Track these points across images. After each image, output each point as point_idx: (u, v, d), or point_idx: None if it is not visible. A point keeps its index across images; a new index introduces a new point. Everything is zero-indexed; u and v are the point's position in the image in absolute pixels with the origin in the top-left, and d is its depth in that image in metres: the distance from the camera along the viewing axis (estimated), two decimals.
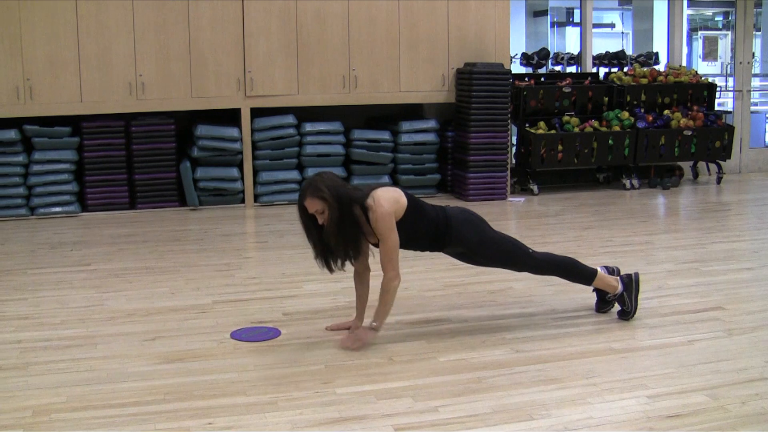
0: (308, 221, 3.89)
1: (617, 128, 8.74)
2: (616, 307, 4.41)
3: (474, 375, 3.62)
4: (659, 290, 4.94)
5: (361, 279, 4.12)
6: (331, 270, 3.98)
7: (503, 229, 4.43)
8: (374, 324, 3.96)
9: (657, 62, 9.95)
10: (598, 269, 4.34)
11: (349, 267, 4.06)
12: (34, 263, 5.86)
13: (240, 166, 7.94)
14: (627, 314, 4.35)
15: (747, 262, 5.79)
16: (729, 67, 11.02)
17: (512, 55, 8.99)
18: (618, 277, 4.36)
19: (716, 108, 9.56)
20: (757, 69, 10.95)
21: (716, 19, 13.41)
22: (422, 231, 4.01)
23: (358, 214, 3.86)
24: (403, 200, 3.93)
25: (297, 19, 7.94)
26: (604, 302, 4.45)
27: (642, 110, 8.97)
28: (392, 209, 3.86)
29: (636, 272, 4.41)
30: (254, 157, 7.95)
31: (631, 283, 4.34)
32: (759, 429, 3.07)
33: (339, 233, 3.80)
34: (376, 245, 3.97)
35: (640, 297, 4.40)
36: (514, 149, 8.87)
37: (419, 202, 4.03)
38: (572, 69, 10.03)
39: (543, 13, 12.91)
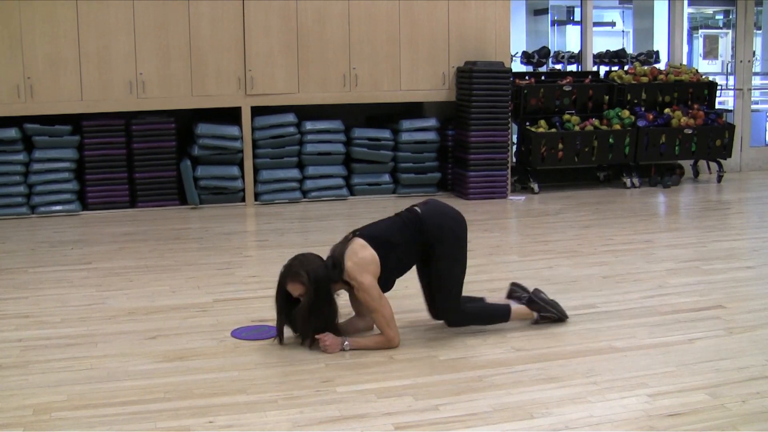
0: (282, 303, 3.90)
1: (618, 127, 8.74)
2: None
3: (474, 374, 3.62)
4: (660, 289, 4.94)
5: (362, 319, 4.12)
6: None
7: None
8: (346, 345, 3.91)
9: (657, 61, 9.93)
10: (510, 305, 4.23)
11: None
12: (35, 262, 5.86)
13: (240, 164, 7.94)
14: (562, 320, 4.28)
15: (747, 260, 5.79)
16: (729, 65, 11.02)
17: (513, 53, 8.98)
18: (526, 306, 4.26)
19: (717, 106, 9.55)
20: (757, 67, 10.94)
21: (717, 17, 13.40)
22: (403, 259, 3.99)
23: (340, 287, 3.90)
24: (374, 257, 3.86)
25: (297, 18, 7.94)
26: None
27: (642, 109, 8.97)
28: (372, 278, 3.84)
29: (534, 289, 4.32)
30: (255, 156, 7.95)
31: (538, 303, 4.25)
32: (760, 428, 3.07)
33: (309, 318, 3.82)
34: None
35: (556, 300, 4.32)
36: (514, 148, 8.87)
37: (387, 239, 3.92)
38: (573, 67, 10.02)
39: (543, 11, 12.90)
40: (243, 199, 7.99)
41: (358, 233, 3.98)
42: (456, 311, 4.06)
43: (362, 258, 3.85)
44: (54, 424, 3.13)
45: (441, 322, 4.22)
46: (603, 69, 9.63)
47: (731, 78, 10.56)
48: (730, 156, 9.32)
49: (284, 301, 3.90)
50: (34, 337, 4.14)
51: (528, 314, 4.25)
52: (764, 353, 3.84)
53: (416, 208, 4.08)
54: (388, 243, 3.93)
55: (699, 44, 12.84)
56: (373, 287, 3.84)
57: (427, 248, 3.99)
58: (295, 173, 8.09)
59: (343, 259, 3.85)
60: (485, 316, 4.18)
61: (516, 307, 4.24)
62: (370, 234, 3.96)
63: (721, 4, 12.71)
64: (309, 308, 3.80)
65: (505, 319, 4.21)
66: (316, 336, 3.92)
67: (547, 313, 4.25)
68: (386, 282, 3.95)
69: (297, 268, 3.84)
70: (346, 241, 3.95)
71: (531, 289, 4.36)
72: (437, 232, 3.98)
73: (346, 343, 3.90)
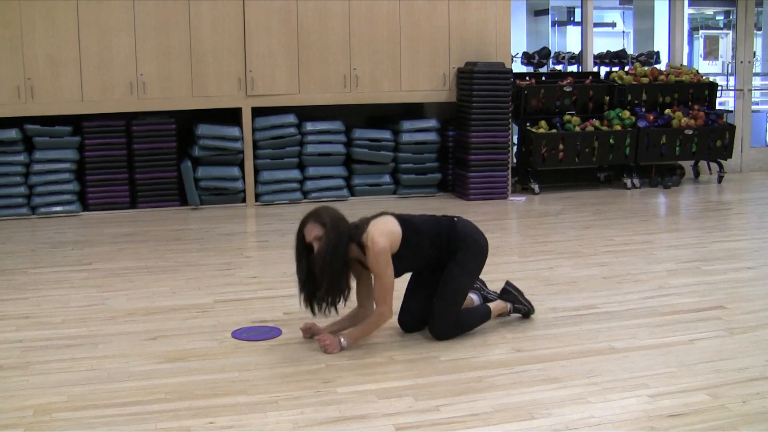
0: (301, 252, 3.90)
1: (618, 127, 8.74)
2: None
3: (475, 374, 3.62)
4: (660, 289, 4.94)
5: (362, 309, 4.08)
6: (314, 311, 3.96)
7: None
8: (343, 342, 3.91)
9: (658, 61, 9.94)
10: (489, 305, 4.29)
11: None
12: (35, 263, 5.86)
13: (241, 165, 7.94)
14: (528, 313, 4.37)
15: (748, 261, 5.79)
16: (730, 66, 11.02)
17: (513, 54, 8.98)
18: (499, 299, 4.35)
19: (717, 107, 9.55)
20: (758, 68, 10.94)
21: (717, 18, 13.41)
22: (424, 250, 4.01)
23: (355, 254, 3.89)
24: (398, 231, 3.92)
25: (298, 19, 7.94)
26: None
27: (643, 109, 8.97)
28: (388, 245, 3.86)
29: (506, 281, 4.42)
30: (255, 157, 7.95)
31: (511, 293, 4.35)
32: (760, 428, 3.07)
33: (327, 263, 3.77)
34: None
35: (526, 295, 4.42)
36: (515, 148, 8.87)
37: (415, 225, 4.02)
38: (573, 68, 10.02)
39: (544, 12, 12.90)
40: (243, 200, 7.99)
41: (389, 213, 4.06)
42: (452, 326, 4.05)
43: (388, 228, 3.91)
44: (54, 425, 3.13)
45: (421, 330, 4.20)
46: (603, 70, 9.63)
47: (732, 79, 10.56)
48: (730, 157, 9.32)
49: (302, 247, 3.89)
50: (34, 338, 4.14)
51: (503, 308, 4.32)
52: (765, 354, 3.83)
53: (453, 216, 4.20)
54: (414, 228, 3.99)
55: (699, 45, 12.85)
56: (386, 253, 3.85)
57: (449, 252, 4.04)
58: (295, 174, 8.09)
59: (368, 224, 3.90)
60: (473, 323, 4.18)
61: (493, 305, 4.29)
62: (401, 216, 4.04)
63: (722, 5, 12.71)
64: (326, 252, 3.76)
65: (487, 320, 4.24)
66: (316, 337, 3.92)
67: (519, 304, 4.34)
68: (395, 267, 3.94)
69: (321, 211, 3.87)
70: (377, 215, 4.02)
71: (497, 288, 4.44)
72: (465, 239, 4.08)
73: (342, 340, 3.91)
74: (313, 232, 3.82)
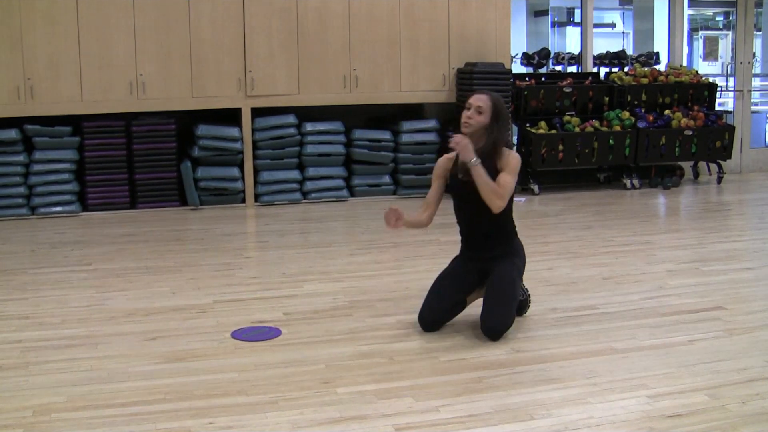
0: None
1: (618, 128, 8.74)
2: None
3: (475, 375, 3.62)
4: (660, 290, 4.94)
5: (424, 213, 4.29)
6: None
7: None
8: (474, 160, 4.07)
9: (658, 62, 9.94)
10: None
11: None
12: (35, 263, 5.86)
13: (240, 165, 7.94)
14: (524, 304, 4.41)
15: (747, 261, 5.79)
16: (729, 67, 11.01)
17: (513, 54, 8.99)
18: None
19: (717, 108, 9.56)
20: (757, 69, 10.94)
21: (717, 19, 13.40)
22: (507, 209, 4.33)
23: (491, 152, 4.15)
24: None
25: (298, 19, 7.95)
26: None
27: (643, 110, 8.97)
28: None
29: None
30: (255, 157, 7.96)
31: None
32: (760, 429, 3.07)
33: (488, 129, 4.08)
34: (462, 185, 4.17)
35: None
36: (514, 149, 8.86)
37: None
38: (573, 69, 10.02)
39: (544, 12, 12.90)
40: (243, 201, 7.99)
41: None
42: (509, 326, 4.08)
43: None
44: (54, 425, 3.12)
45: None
46: (603, 70, 9.63)
47: (731, 79, 10.56)
48: (730, 157, 9.32)
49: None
50: (34, 338, 4.14)
51: None
52: (764, 354, 3.83)
53: None
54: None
55: (699, 45, 12.85)
56: (519, 167, 4.35)
57: (505, 248, 4.29)
58: (295, 174, 8.09)
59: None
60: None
61: None
62: None
63: (721, 6, 12.71)
64: (485, 126, 4.06)
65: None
66: (450, 134, 4.26)
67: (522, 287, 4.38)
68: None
69: (501, 101, 4.16)
70: None
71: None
72: (521, 250, 4.39)
73: (474, 159, 4.05)
74: (482, 101, 4.08)
